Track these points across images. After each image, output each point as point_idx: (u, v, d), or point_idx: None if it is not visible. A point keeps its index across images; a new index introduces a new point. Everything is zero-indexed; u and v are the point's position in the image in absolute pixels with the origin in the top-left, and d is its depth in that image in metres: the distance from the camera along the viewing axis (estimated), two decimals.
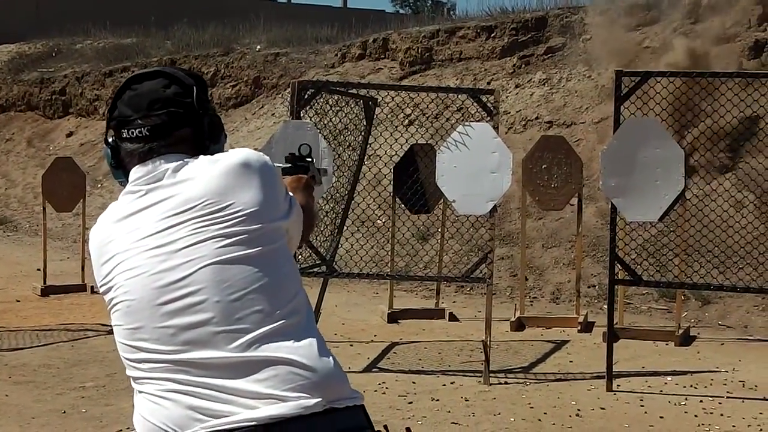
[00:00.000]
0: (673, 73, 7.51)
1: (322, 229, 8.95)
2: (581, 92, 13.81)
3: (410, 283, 11.45)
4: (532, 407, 6.98)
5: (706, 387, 7.55)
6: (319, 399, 2.12)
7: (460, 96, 12.29)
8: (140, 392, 2.18)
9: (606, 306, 8.11)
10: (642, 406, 7.03)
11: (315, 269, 8.66)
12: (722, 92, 7.44)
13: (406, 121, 13.74)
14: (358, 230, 10.71)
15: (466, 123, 8.13)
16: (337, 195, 9.32)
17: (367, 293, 11.48)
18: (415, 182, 9.34)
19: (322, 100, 8.79)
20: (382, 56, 16.89)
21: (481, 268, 8.03)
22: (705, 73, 7.53)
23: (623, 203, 7.32)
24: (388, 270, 10.03)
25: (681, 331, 9.09)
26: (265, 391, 2.10)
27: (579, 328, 9.44)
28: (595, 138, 12.72)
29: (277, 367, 2.12)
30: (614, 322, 9.23)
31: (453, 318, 9.98)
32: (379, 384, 7.51)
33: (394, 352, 8.69)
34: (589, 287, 10.88)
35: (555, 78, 14.20)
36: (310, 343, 2.20)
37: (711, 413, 6.87)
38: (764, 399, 7.20)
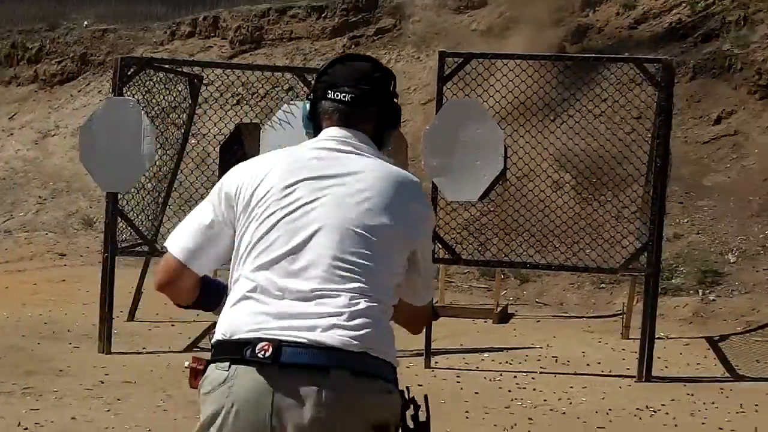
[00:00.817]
0: (495, 55, 7.62)
1: (143, 207, 8.75)
2: (410, 73, 13.91)
3: None
4: None
5: (520, 363, 7.73)
6: (357, 342, 2.45)
7: (292, 76, 12.18)
8: None
9: None
10: (458, 382, 7.14)
11: (136, 248, 8.46)
12: (554, 75, 7.60)
13: (235, 100, 13.55)
14: (180, 209, 10.49)
15: (291, 102, 8.06)
16: (160, 174, 9.13)
17: None
18: (240, 161, 9.20)
19: (149, 77, 8.57)
20: (212, 34, 16.61)
21: None
22: (526, 56, 7.66)
23: (444, 183, 7.39)
24: None
25: (499, 309, 9.28)
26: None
27: None
28: (423, 119, 12.84)
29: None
30: (435, 301, 9.39)
31: None
32: None
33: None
34: None
35: (384, 59, 14.24)
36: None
37: (524, 388, 7.03)
38: (575, 373, 7.41)
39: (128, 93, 8.08)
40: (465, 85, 7.62)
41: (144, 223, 8.68)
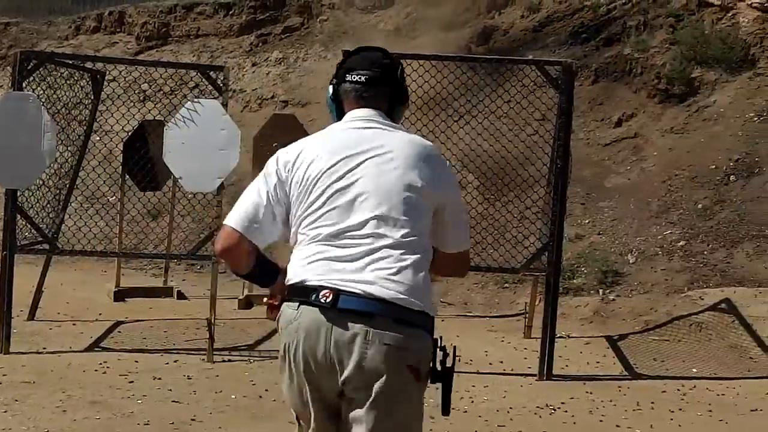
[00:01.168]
0: (399, 55, 7.59)
1: (44, 204, 8.58)
2: (317, 72, 13.89)
3: (141, 261, 11.19)
4: (254, 384, 6.96)
5: None
6: (403, 296, 3.00)
7: (196, 73, 12.08)
8: None
9: None
10: None
11: (37, 246, 8.29)
12: (457, 76, 7.63)
13: (142, 96, 13.40)
14: (82, 207, 10.34)
15: (195, 99, 7.96)
16: (62, 170, 8.97)
17: (96, 272, 11.14)
18: (144, 159, 9.10)
19: (51, 73, 8.41)
20: (118, 30, 16.39)
21: (207, 246, 7.92)
22: (430, 56, 7.70)
23: None
24: (116, 248, 9.74)
25: None
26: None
27: None
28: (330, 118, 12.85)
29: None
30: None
31: (181, 296, 9.82)
32: (101, 363, 7.29)
33: (119, 331, 8.46)
34: None
35: (292, 57, 14.22)
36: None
37: (427, 387, 7.04)
38: (477, 372, 7.47)
39: (29, 88, 7.90)
40: None
41: (45, 220, 8.52)
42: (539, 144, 8.06)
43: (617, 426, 6.30)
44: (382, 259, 3.07)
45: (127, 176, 9.40)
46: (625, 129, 11.67)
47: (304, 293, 3.06)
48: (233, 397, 6.64)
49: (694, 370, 7.83)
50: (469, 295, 10.34)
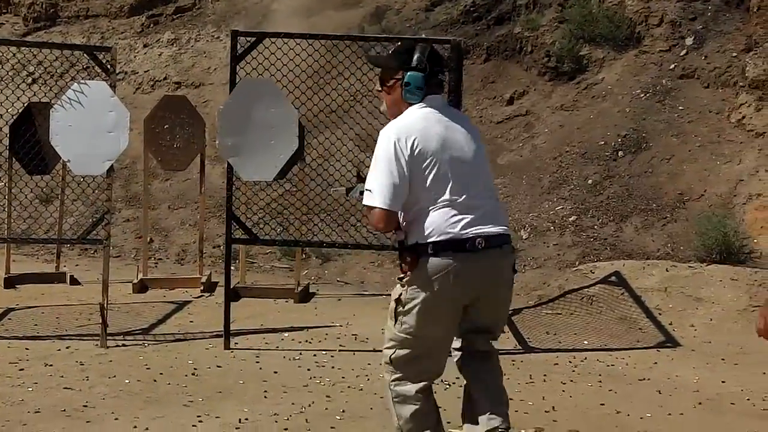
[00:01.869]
0: (288, 34, 7.57)
1: None
2: (210, 53, 13.74)
3: (32, 247, 10.96)
4: (148, 368, 6.87)
5: (320, 341, 7.76)
6: (507, 228, 4.44)
7: (83, 54, 11.81)
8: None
9: None
10: (258, 362, 7.11)
11: None
12: (347, 55, 7.60)
13: (30, 79, 13.07)
14: None
15: (81, 81, 7.80)
16: None
17: None
18: (30, 142, 8.88)
19: None
20: (5, 11, 15.93)
21: (98, 230, 7.78)
22: (319, 36, 7.67)
23: (239, 162, 7.33)
24: (5, 233, 9.50)
25: (300, 288, 9.28)
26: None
27: (202, 288, 9.41)
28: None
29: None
30: (237, 282, 9.32)
31: (74, 281, 9.64)
32: None
33: (9, 318, 8.27)
34: (214, 248, 10.87)
35: (184, 38, 14.02)
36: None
37: (323, 366, 7.05)
38: (374, 350, 7.48)
39: None
40: (258, 65, 7.56)
41: None
42: None
43: (510, 399, 6.35)
44: (491, 209, 4.39)
45: (15, 160, 9.16)
46: (516, 107, 11.78)
47: (457, 245, 4.21)
48: (127, 382, 6.55)
49: (586, 342, 7.96)
50: (366, 274, 10.36)
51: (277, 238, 8.83)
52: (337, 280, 10.26)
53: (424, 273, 4.21)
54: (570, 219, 10.17)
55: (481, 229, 4.24)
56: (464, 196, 4.25)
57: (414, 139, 4.22)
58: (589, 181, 10.49)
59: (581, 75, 11.72)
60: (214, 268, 10.35)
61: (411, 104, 4.31)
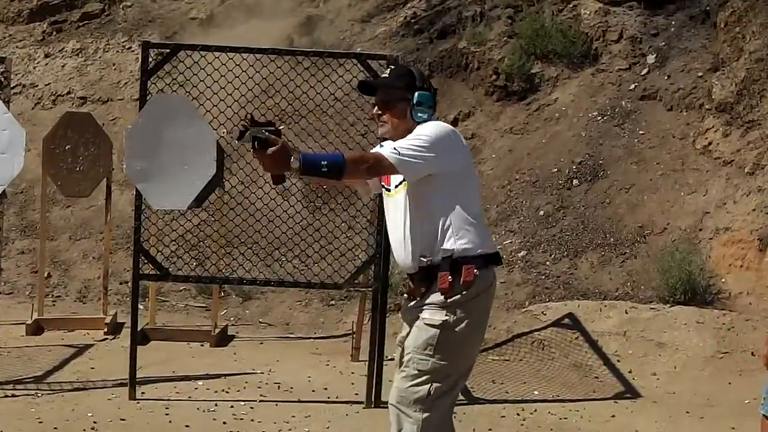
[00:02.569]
0: (206, 46, 7.50)
1: None
2: (120, 65, 13.61)
3: None
4: (41, 422, 6.72)
5: (239, 391, 7.65)
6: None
7: None
8: None
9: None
10: (167, 414, 6.99)
11: None
12: (272, 70, 7.55)
13: None
14: None
15: None
16: None
17: None
18: None
19: None
20: None
21: None
22: (241, 49, 7.59)
23: (149, 189, 7.23)
24: None
25: (218, 331, 9.18)
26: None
27: (106, 330, 9.27)
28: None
29: None
30: (146, 323, 9.18)
31: None
32: None
33: None
34: (120, 284, 10.72)
35: (91, 48, 13.87)
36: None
37: (241, 419, 6.95)
38: (299, 401, 7.40)
39: None
40: (172, 80, 7.49)
41: None
42: (370, 146, 8.03)
43: None
44: None
45: None
46: (461, 129, 11.76)
47: (494, 259, 4.63)
48: None
49: (536, 392, 7.95)
50: (291, 315, 10.28)
51: (192, 274, 8.71)
52: (260, 321, 10.16)
53: (474, 289, 4.52)
54: (519, 254, 10.19)
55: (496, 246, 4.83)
56: (481, 211, 4.80)
57: (463, 140, 4.74)
58: (541, 213, 10.52)
59: (532, 95, 11.77)
60: (121, 307, 10.19)
61: (419, 123, 4.67)
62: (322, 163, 4.38)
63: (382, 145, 4.68)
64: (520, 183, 10.92)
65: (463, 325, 4.50)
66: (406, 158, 4.47)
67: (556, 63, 11.83)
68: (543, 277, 9.92)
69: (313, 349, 9.15)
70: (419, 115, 4.68)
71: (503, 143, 11.50)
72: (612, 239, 10.13)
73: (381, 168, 4.51)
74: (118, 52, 13.84)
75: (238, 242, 8.44)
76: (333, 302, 10.33)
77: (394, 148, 4.51)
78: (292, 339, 9.58)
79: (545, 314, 9.17)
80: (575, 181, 10.71)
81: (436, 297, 4.52)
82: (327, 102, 7.81)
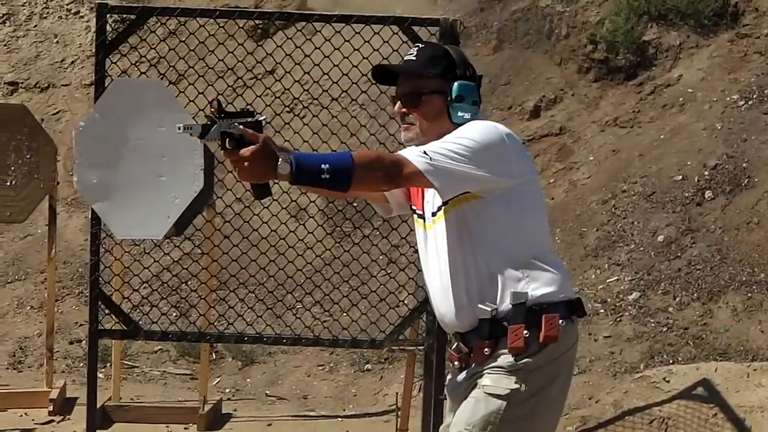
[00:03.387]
0: (186, 10, 7.56)
1: None
2: (65, 37, 13.73)
3: None
4: None
5: None
6: None
7: None
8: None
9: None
10: None
11: None
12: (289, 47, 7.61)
13: None
14: None
15: None
16: None
17: None
18: None
19: None
20: None
21: None
22: (235, 13, 7.65)
23: (110, 210, 7.27)
24: None
25: (208, 408, 9.18)
26: None
27: (51, 408, 9.28)
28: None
29: None
30: (108, 398, 9.22)
31: None
32: None
33: None
34: (71, 344, 10.78)
35: (22, 13, 14.02)
36: None
37: None
38: None
39: None
40: (141, 58, 7.54)
41: None
42: None
43: None
44: None
45: None
46: (545, 122, 11.81)
47: (580, 307, 4.69)
48: None
49: None
50: (311, 384, 10.30)
51: (171, 329, 8.74)
52: (266, 394, 10.18)
53: (557, 347, 4.55)
54: (629, 297, 10.17)
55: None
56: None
57: (521, 145, 4.80)
58: (660, 238, 10.51)
59: (645, 72, 11.78)
60: (71, 376, 10.24)
61: (459, 125, 4.63)
62: (323, 167, 4.28)
63: None
64: (629, 197, 10.92)
65: (538, 397, 4.51)
66: (439, 165, 4.44)
67: (679, 26, 11.84)
68: (664, 329, 9.90)
69: None
70: (459, 114, 4.66)
71: (604, 141, 11.50)
72: (763, 275, 10.10)
73: (401, 176, 4.44)
74: (61, 18, 13.98)
75: (235, 284, 8.47)
76: (369, 367, 10.34)
77: (424, 151, 4.44)
78: (312, 418, 9.59)
79: (668, 381, 9.13)
80: (708, 194, 10.70)
81: (504, 359, 4.51)
82: (357, 86, 7.83)
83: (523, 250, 4.56)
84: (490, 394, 4.48)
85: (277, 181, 4.30)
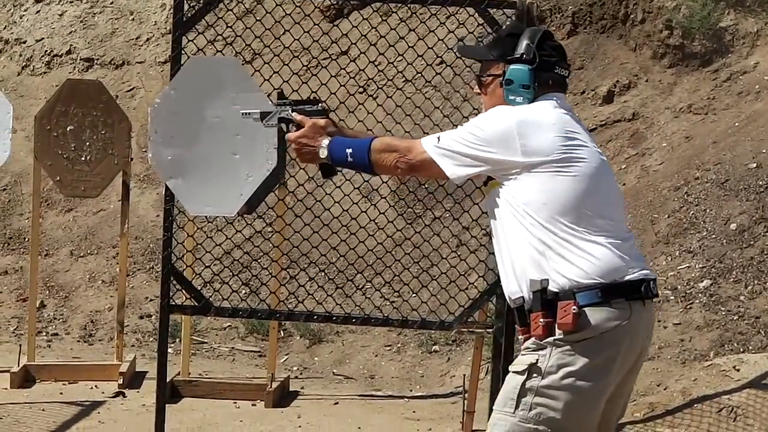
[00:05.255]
0: None
1: None
2: (141, 15, 13.79)
3: None
4: None
5: None
6: None
7: None
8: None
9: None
10: None
11: None
12: (364, 28, 7.62)
13: None
14: None
15: None
16: None
17: None
18: None
19: None
20: None
21: None
22: None
23: (183, 188, 7.30)
24: None
25: (276, 385, 9.23)
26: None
27: (121, 381, 9.37)
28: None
29: None
30: (177, 373, 9.29)
31: None
32: None
33: None
34: (142, 318, 10.85)
35: None
36: None
37: None
38: None
39: None
40: (217, 36, 7.57)
41: None
42: None
43: None
44: None
45: None
46: (618, 107, 11.77)
47: (629, 291, 4.63)
48: None
49: None
50: (378, 365, 10.32)
51: (241, 306, 8.78)
52: (333, 373, 10.21)
53: (585, 329, 4.53)
54: (701, 285, 10.13)
55: (643, 271, 4.72)
56: (618, 219, 4.81)
57: (549, 125, 4.72)
58: (732, 226, 10.46)
59: (722, 58, 11.71)
60: (141, 350, 10.31)
61: None
62: (347, 151, 4.72)
63: None
64: (702, 184, 10.87)
65: (561, 374, 4.54)
66: (446, 148, 4.64)
67: (757, 13, 11.76)
68: (735, 317, 9.86)
69: (409, 414, 9.18)
70: (511, 98, 4.76)
71: (678, 127, 11.45)
72: None
73: (414, 160, 4.68)
74: None
75: (305, 263, 8.51)
76: (437, 348, 10.36)
77: (438, 137, 4.67)
78: (379, 398, 9.60)
79: (739, 370, 9.10)
80: None
81: (530, 340, 4.63)
82: (432, 67, 7.85)
83: (550, 230, 4.59)
84: (512, 372, 4.60)
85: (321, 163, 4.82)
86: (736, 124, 11.20)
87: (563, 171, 4.62)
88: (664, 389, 9.18)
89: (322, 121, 4.85)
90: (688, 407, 8.96)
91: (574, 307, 4.46)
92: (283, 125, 4.80)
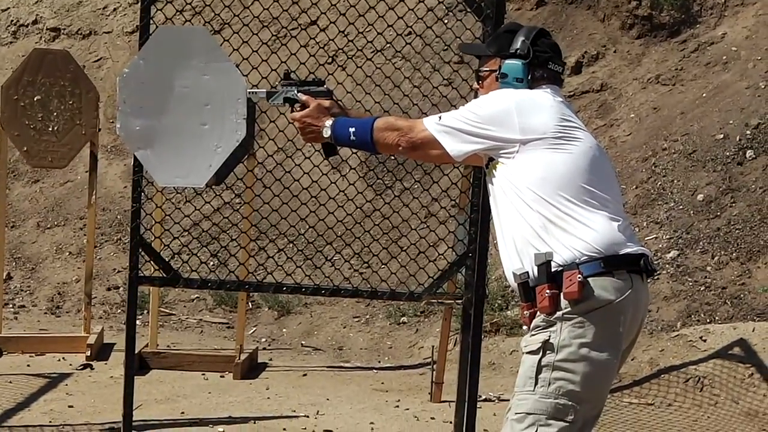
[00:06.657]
0: None
1: None
2: None
3: None
4: None
5: None
6: None
7: None
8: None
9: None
10: None
11: None
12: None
13: None
14: None
15: None
16: None
17: None
18: None
19: None
20: None
21: None
22: None
23: (152, 158, 7.25)
24: None
25: (244, 357, 9.24)
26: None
27: (89, 353, 9.36)
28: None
29: None
30: (146, 345, 9.28)
31: None
32: None
33: None
34: (110, 290, 10.84)
35: None
36: None
37: None
38: None
39: None
40: (186, 5, 7.53)
41: None
42: (456, 99, 8.06)
43: None
44: None
45: None
46: (586, 77, 11.78)
47: (628, 262, 4.72)
48: None
49: None
50: (347, 336, 10.33)
51: (210, 278, 8.76)
52: (302, 344, 10.22)
53: (590, 299, 4.61)
54: (668, 256, 10.17)
55: (639, 247, 4.82)
56: (616, 200, 4.90)
57: (546, 105, 4.88)
58: (699, 197, 10.49)
59: (689, 29, 11.73)
60: (109, 322, 10.30)
61: None
62: (350, 130, 4.91)
63: None
64: (669, 155, 10.90)
65: (575, 346, 4.61)
66: (447, 125, 4.81)
67: None
68: (702, 288, 9.89)
69: (378, 385, 9.20)
70: None
71: (646, 98, 11.47)
72: None
73: (414, 141, 4.85)
74: None
75: (274, 234, 8.49)
76: (405, 319, 10.37)
77: (440, 116, 4.85)
78: (347, 370, 9.62)
79: (705, 341, 9.15)
80: (749, 153, 10.66)
81: (539, 318, 4.66)
82: (402, 37, 7.82)
83: (551, 204, 4.70)
84: (526, 353, 4.65)
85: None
86: (704, 95, 11.23)
87: (560, 148, 4.76)
88: (632, 360, 9.20)
89: (326, 102, 5.04)
90: (656, 377, 9.01)
91: (579, 275, 4.55)
92: (293, 105, 5.01)
